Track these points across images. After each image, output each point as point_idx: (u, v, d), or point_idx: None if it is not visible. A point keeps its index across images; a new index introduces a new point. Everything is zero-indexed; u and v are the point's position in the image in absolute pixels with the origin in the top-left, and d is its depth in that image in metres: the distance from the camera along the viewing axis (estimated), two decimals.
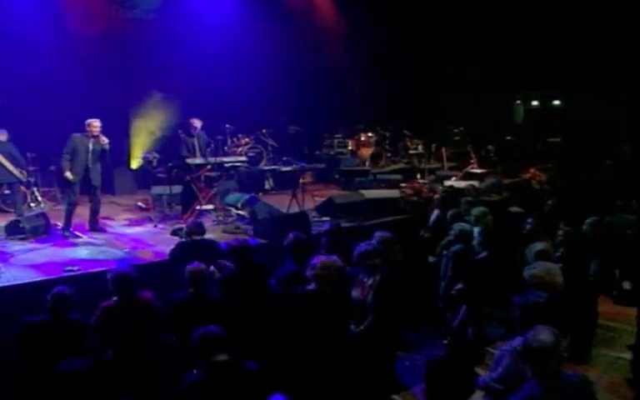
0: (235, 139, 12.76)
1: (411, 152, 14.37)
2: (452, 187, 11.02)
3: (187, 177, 9.18)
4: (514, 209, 8.64)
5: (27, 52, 11.10)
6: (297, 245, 5.84)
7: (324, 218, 9.23)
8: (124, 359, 4.95)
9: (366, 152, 14.63)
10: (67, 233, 8.38)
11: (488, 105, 18.67)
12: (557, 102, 19.53)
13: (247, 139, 12.89)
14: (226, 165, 9.56)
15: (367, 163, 14.33)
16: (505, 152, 15.57)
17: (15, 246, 7.82)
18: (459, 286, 6.46)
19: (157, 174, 10.15)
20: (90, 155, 8.41)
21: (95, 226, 8.68)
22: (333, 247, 6.19)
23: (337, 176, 12.56)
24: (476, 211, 7.52)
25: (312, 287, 4.84)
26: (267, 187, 12.08)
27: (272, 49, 13.56)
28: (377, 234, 6.06)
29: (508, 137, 16.59)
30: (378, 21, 15.29)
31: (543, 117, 19.24)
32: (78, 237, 8.38)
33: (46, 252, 7.55)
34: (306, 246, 5.91)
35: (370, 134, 14.93)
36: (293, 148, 13.54)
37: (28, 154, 10.44)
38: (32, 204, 10.61)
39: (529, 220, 7.01)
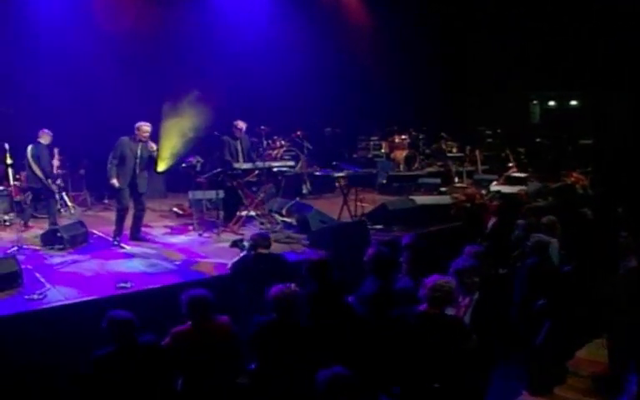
0: (270, 141, 12.12)
1: (449, 154, 13.75)
2: (499, 192, 10.39)
3: (234, 183, 8.54)
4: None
5: (56, 52, 10.50)
6: (379, 260, 5.22)
7: (376, 226, 8.62)
8: (197, 389, 4.35)
9: (400, 154, 14.04)
10: (117, 241, 7.78)
11: (505, 106, 18.25)
12: (574, 102, 19.10)
13: (282, 142, 12.26)
14: (274, 170, 8.92)
15: (401, 166, 13.78)
16: (536, 154, 15.01)
17: (55, 258, 7.17)
18: (541, 301, 5.89)
19: (201, 179, 9.42)
20: (138, 161, 7.80)
21: (137, 235, 8.05)
22: (414, 262, 5.60)
23: (384, 181, 11.86)
24: (546, 220, 7.00)
25: (424, 307, 4.26)
26: (304, 191, 11.44)
27: (305, 49, 12.93)
28: (470, 249, 5.45)
29: (538, 139, 15.99)
30: (409, 21, 14.72)
31: (560, 116, 18.80)
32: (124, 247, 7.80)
33: (90, 265, 6.88)
34: (389, 261, 5.30)
35: (404, 136, 14.35)
36: (329, 151, 12.93)
37: (57, 156, 9.85)
38: (62, 209, 10.03)
39: (623, 234, 6.41)
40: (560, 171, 12.87)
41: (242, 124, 8.99)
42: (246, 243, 6.66)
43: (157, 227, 8.87)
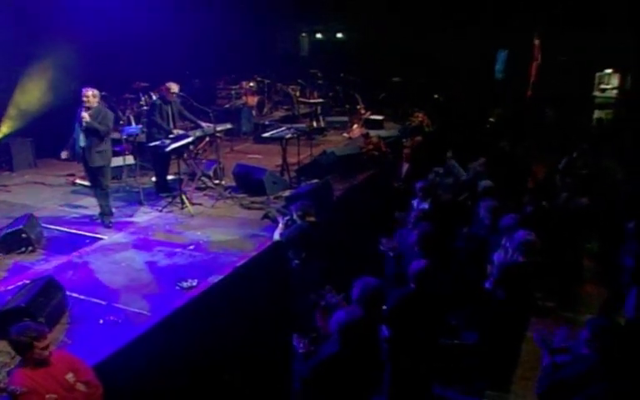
0: (147, 97, 10.96)
1: (307, 100, 14.10)
2: (379, 137, 11.25)
3: (185, 155, 7.85)
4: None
5: None
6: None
7: (313, 180, 8.75)
8: None
9: (252, 100, 14.07)
10: None
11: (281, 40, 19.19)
12: (340, 35, 20.83)
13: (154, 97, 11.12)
14: (218, 134, 8.37)
15: (253, 112, 13.81)
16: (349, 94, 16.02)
17: (42, 264, 5.86)
18: None
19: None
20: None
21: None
22: None
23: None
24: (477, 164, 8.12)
25: None
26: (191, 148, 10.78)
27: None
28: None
29: (352, 78, 17.02)
30: None
31: (327, 49, 20.21)
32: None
33: (104, 265, 5.83)
34: None
35: (252, 84, 14.34)
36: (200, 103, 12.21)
37: None
38: None
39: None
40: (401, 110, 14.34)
41: (175, 87, 8.10)
42: (276, 214, 6.51)
43: (94, 207, 7.50)
